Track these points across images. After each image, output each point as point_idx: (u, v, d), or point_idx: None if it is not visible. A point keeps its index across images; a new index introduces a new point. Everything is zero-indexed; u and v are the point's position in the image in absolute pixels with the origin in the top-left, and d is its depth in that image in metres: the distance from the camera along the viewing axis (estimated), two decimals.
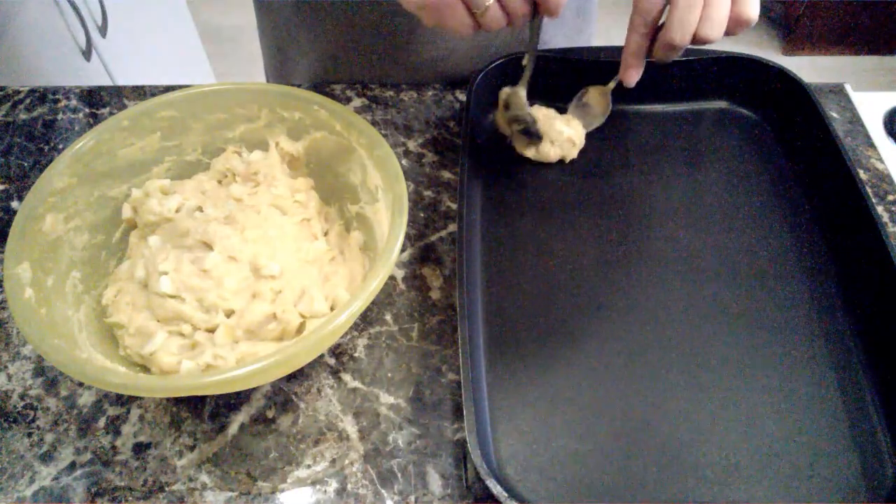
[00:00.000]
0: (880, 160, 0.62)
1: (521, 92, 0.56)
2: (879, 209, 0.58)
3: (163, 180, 0.51)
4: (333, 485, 0.43)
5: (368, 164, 0.49)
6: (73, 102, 0.67)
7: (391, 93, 0.67)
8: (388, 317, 0.51)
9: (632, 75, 0.52)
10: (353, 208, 0.52)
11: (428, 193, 0.59)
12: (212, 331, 0.44)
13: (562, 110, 0.62)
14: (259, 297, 0.44)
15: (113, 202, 0.49)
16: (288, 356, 0.37)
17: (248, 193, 0.50)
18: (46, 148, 0.62)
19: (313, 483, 0.43)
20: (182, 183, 0.51)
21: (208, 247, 0.46)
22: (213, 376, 0.36)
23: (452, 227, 0.56)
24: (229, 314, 0.44)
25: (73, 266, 0.45)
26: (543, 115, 0.60)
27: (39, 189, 0.44)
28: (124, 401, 0.46)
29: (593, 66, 0.62)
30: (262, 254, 0.46)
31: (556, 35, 0.71)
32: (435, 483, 0.43)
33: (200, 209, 0.49)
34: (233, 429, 0.46)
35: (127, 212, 0.49)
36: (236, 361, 0.42)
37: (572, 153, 0.60)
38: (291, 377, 0.48)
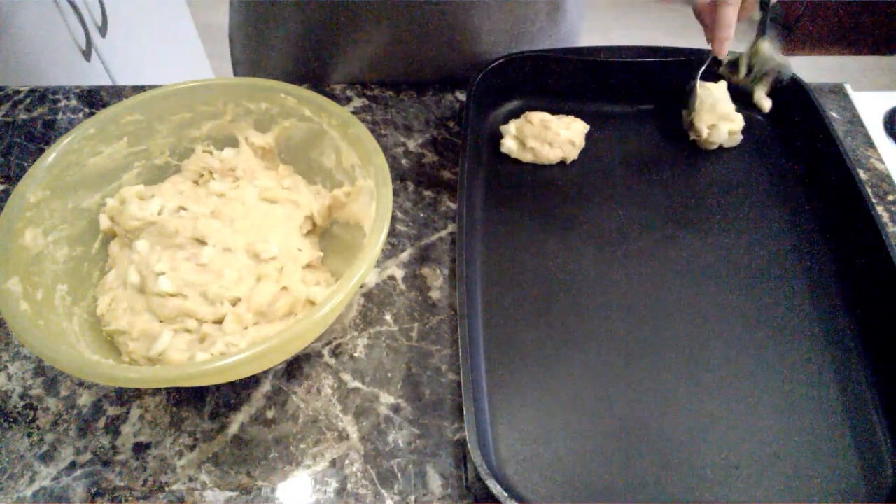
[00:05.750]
0: (880, 160, 0.62)
1: (765, 44, 0.59)
2: (879, 209, 0.57)
3: (137, 186, 0.50)
4: (333, 485, 0.43)
5: (342, 145, 0.48)
6: (73, 102, 0.66)
7: (391, 93, 0.67)
8: (388, 317, 0.51)
9: (726, 47, 0.56)
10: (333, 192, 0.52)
11: (428, 193, 0.59)
12: (219, 322, 0.44)
13: (571, 112, 0.61)
14: (265, 279, 0.45)
15: (87, 213, 0.49)
16: (302, 329, 0.38)
17: (231, 188, 0.50)
18: (46, 148, 0.62)
19: (313, 483, 0.43)
20: (158, 187, 0.51)
21: (200, 242, 0.46)
22: (231, 357, 0.36)
23: (452, 227, 0.56)
24: (235, 302, 0.44)
25: (59, 279, 0.45)
26: (539, 120, 0.59)
27: (14, 204, 0.43)
28: (124, 400, 0.46)
29: (593, 66, 0.62)
30: (255, 240, 0.46)
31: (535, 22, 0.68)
32: (435, 483, 0.43)
33: (182, 209, 0.49)
34: (233, 429, 0.46)
35: (105, 222, 0.49)
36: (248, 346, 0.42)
37: (572, 154, 0.60)
38: (291, 377, 0.48)
